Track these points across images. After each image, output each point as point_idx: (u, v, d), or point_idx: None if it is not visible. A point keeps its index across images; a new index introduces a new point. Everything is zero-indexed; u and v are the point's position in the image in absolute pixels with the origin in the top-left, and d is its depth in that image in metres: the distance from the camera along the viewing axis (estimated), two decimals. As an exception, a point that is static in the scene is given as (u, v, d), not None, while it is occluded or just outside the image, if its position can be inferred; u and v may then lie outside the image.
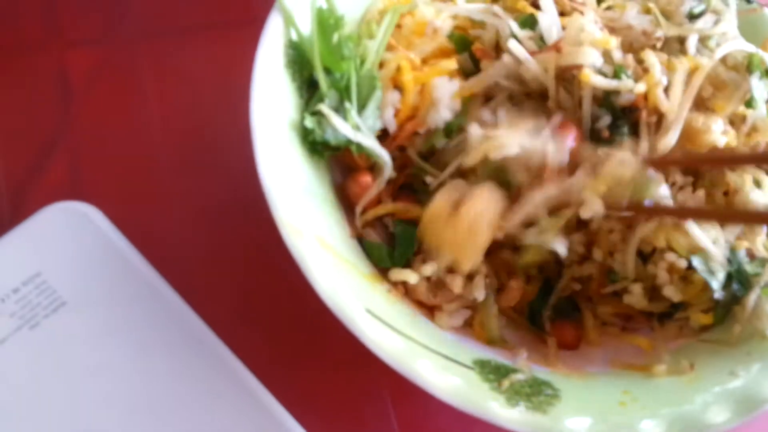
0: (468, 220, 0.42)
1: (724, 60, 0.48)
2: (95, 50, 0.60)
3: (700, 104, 0.47)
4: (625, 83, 0.45)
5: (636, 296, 0.47)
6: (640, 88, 0.45)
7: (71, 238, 0.50)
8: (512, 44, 0.46)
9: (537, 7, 0.50)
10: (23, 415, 0.45)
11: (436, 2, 0.53)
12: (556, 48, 0.46)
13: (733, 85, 0.47)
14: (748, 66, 0.47)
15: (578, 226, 0.47)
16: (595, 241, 0.47)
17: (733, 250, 0.46)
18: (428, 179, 0.48)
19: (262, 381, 0.48)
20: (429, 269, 0.46)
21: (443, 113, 0.48)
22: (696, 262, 0.45)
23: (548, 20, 0.48)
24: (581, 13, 0.49)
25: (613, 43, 0.46)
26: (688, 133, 0.46)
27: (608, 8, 0.53)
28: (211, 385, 0.47)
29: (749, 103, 0.48)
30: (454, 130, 0.48)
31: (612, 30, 0.50)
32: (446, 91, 0.48)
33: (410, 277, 0.46)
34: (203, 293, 0.51)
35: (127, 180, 0.55)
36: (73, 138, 0.56)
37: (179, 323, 0.48)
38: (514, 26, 0.48)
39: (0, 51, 0.59)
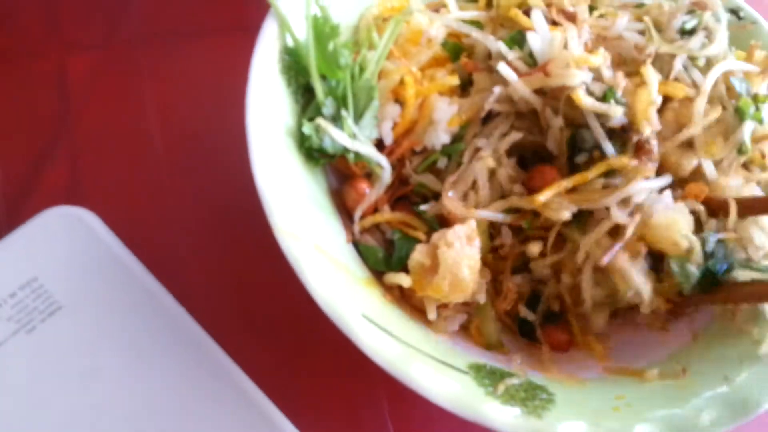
0: (448, 261, 0.43)
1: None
2: (94, 55, 0.60)
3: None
4: (614, 109, 0.46)
5: (599, 321, 0.48)
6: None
7: (68, 243, 0.50)
8: (502, 67, 0.47)
9: (529, 14, 0.50)
10: (20, 418, 0.45)
11: (428, 11, 0.53)
12: (544, 71, 0.47)
13: (722, 124, 0.48)
14: (737, 110, 0.48)
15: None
16: (563, 264, 0.48)
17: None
18: (423, 207, 0.49)
19: (259, 385, 0.48)
20: None
21: (441, 136, 0.48)
22: (673, 264, 0.45)
23: (539, 41, 0.48)
24: (563, 25, 0.49)
25: (600, 60, 0.47)
26: (667, 163, 0.48)
27: (601, 16, 0.53)
28: (208, 389, 0.47)
29: (741, 150, 0.48)
30: (454, 153, 0.49)
31: (603, 39, 0.50)
32: (446, 115, 0.48)
33: (404, 280, 0.46)
34: (201, 298, 0.51)
35: (125, 185, 0.55)
36: (72, 142, 0.56)
37: (176, 328, 0.49)
38: (503, 47, 0.49)
39: (0, 54, 0.59)
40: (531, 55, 0.48)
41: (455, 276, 0.43)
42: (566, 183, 0.46)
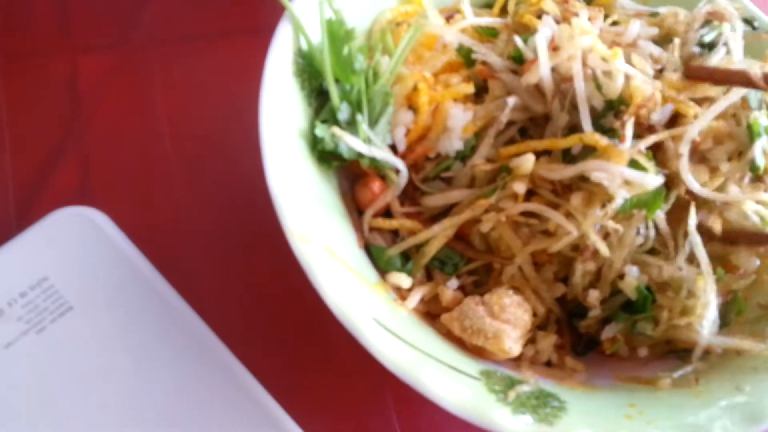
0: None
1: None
2: (106, 56, 0.60)
3: (697, 155, 0.48)
4: (608, 85, 0.46)
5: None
6: None
7: (79, 243, 0.50)
8: (539, 41, 0.47)
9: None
10: (29, 418, 0.45)
11: (443, 16, 0.53)
12: (553, 47, 0.47)
13: (734, 140, 0.48)
14: (748, 128, 0.47)
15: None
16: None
17: None
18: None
19: (266, 388, 0.48)
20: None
21: (455, 143, 0.48)
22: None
23: (545, 38, 0.48)
24: (576, 15, 0.49)
25: (604, 47, 0.47)
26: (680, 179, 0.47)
27: (614, 23, 0.53)
28: (216, 392, 0.47)
29: (752, 168, 0.48)
30: (467, 155, 0.49)
31: (618, 46, 0.50)
32: (460, 122, 0.48)
33: (404, 281, 0.47)
34: (210, 300, 0.51)
35: (136, 186, 0.55)
36: (83, 143, 0.57)
37: (185, 329, 0.49)
38: (520, 43, 0.49)
39: (12, 55, 0.59)
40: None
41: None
42: (536, 144, 0.46)
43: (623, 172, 0.44)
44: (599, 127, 0.46)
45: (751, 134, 0.48)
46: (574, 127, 0.47)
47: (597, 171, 0.44)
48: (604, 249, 0.45)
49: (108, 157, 0.56)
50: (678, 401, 0.43)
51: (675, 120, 0.48)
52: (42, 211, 0.51)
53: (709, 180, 0.48)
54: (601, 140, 0.45)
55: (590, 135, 0.45)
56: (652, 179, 0.45)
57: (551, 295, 0.48)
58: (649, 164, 0.45)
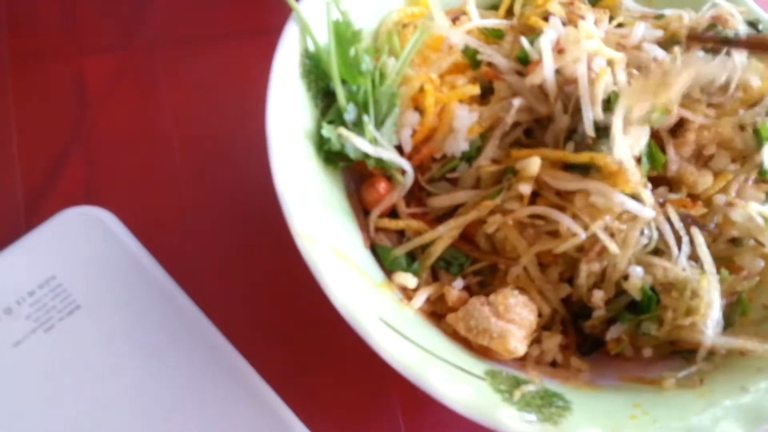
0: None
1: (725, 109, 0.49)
2: (112, 57, 0.61)
3: (700, 159, 0.48)
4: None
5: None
6: None
7: (86, 243, 0.50)
8: (544, 43, 0.47)
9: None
10: (37, 415, 0.45)
11: (449, 18, 0.54)
12: (558, 49, 0.47)
13: (738, 144, 0.48)
14: (755, 132, 0.48)
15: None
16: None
17: None
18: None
19: (273, 388, 0.48)
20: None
21: (461, 144, 0.49)
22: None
23: (551, 40, 0.48)
24: (582, 18, 0.49)
25: (619, 56, 0.47)
26: (686, 182, 0.48)
27: (619, 25, 0.54)
28: (223, 391, 0.47)
29: (760, 173, 0.48)
30: (473, 156, 0.49)
31: (623, 48, 0.50)
32: (466, 123, 0.48)
33: (410, 281, 0.47)
34: (217, 300, 0.51)
35: (143, 186, 0.56)
36: (90, 144, 0.57)
37: (192, 329, 0.49)
38: (526, 44, 0.49)
39: (18, 57, 0.59)
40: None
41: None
42: (546, 153, 0.47)
43: (623, 203, 0.45)
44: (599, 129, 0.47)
45: (759, 139, 0.48)
46: (576, 130, 0.47)
47: (598, 195, 0.45)
48: (613, 247, 0.45)
49: (115, 157, 0.57)
50: (682, 401, 0.44)
51: (680, 124, 0.49)
52: (50, 211, 0.52)
53: (713, 183, 0.48)
54: (612, 164, 0.45)
55: (602, 157, 0.45)
56: (648, 212, 0.45)
57: (556, 295, 0.48)
58: (647, 194, 0.46)
